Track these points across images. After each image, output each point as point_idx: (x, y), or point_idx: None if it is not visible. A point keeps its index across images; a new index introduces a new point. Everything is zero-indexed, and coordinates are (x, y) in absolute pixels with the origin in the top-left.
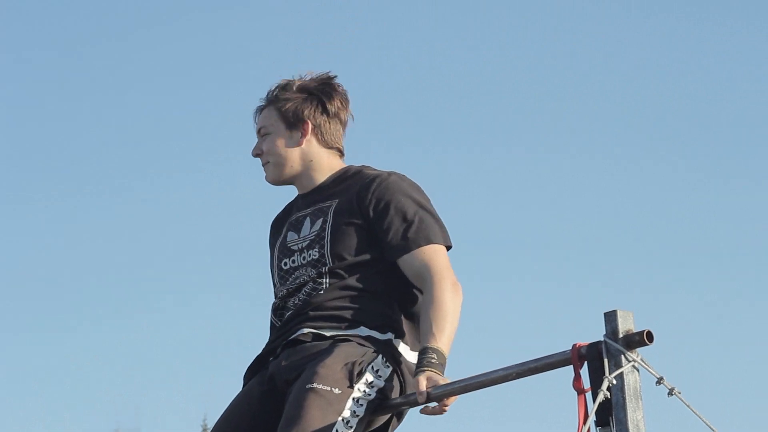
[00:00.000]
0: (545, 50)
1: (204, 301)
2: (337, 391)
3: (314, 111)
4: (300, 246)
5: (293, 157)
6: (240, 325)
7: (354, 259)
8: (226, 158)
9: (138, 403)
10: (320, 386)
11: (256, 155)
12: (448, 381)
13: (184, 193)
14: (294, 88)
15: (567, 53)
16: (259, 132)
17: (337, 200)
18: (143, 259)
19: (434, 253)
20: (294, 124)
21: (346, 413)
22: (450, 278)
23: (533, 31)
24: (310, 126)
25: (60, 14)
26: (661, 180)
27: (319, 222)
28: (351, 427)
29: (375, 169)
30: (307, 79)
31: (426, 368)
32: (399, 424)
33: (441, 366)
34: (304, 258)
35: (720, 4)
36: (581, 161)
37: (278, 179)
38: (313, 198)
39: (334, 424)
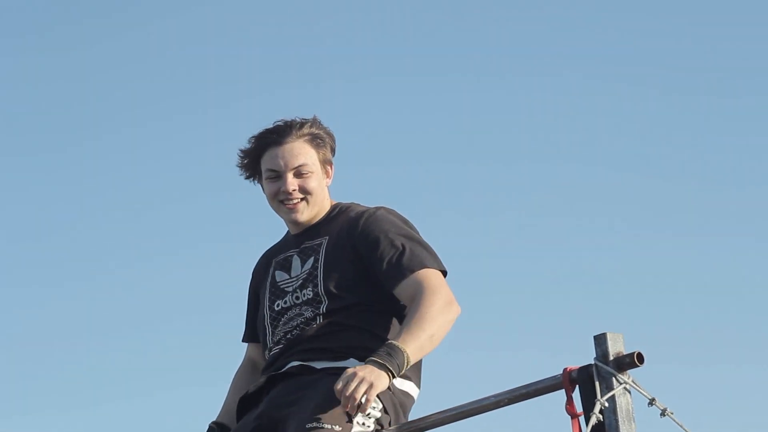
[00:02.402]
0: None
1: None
2: (337, 428)
3: (330, 153)
4: (293, 286)
5: (323, 199)
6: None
7: (348, 297)
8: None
9: None
10: (319, 426)
11: (291, 191)
12: (371, 384)
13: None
14: (320, 129)
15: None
16: (299, 168)
17: (327, 238)
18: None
19: (429, 275)
20: (324, 165)
21: None
22: (444, 295)
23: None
24: (333, 170)
25: None
26: (649, 198)
27: (311, 261)
28: None
29: (362, 206)
30: (312, 120)
31: (369, 361)
32: None
33: (396, 366)
34: (297, 297)
35: None
36: (572, 178)
37: (310, 220)
38: (303, 237)
39: None
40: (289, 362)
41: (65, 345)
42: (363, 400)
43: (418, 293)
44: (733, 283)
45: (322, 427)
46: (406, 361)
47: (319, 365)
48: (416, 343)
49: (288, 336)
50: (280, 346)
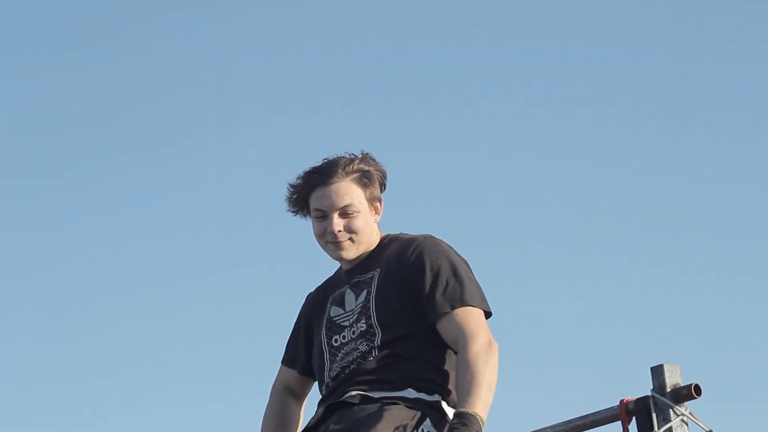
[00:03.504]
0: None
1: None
2: None
3: (378, 189)
4: (350, 321)
5: (371, 235)
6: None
7: (400, 327)
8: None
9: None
10: None
11: (337, 232)
12: None
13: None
14: (369, 165)
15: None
16: (344, 208)
17: (378, 270)
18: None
19: (469, 315)
20: (372, 203)
21: None
22: (484, 337)
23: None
24: (382, 206)
25: None
26: (705, 227)
27: (363, 294)
28: None
29: (410, 234)
30: (361, 156)
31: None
32: None
33: (467, 429)
34: (353, 332)
35: None
36: (625, 209)
37: (356, 257)
38: (355, 272)
39: None
40: (348, 392)
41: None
42: None
43: (461, 337)
44: None
45: None
46: (481, 423)
47: (377, 395)
48: (481, 401)
49: (347, 370)
50: (339, 378)
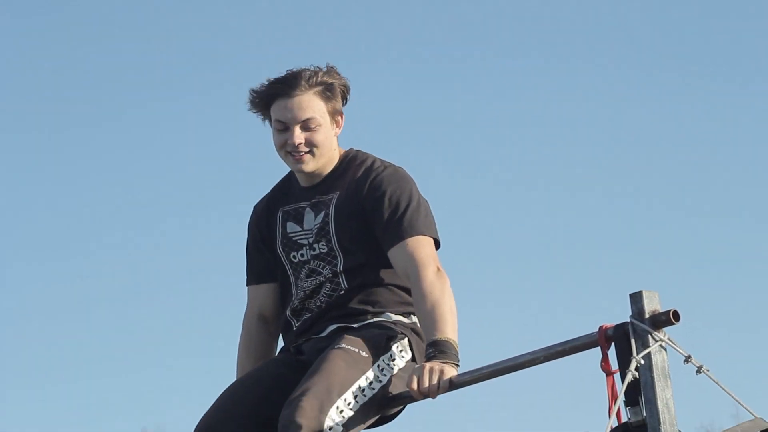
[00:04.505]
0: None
1: (228, 300)
2: (364, 354)
3: (341, 103)
4: (308, 240)
5: (331, 149)
6: None
7: (360, 253)
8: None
9: (164, 402)
10: (348, 347)
11: (298, 144)
12: (455, 374)
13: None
14: (333, 78)
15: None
16: (306, 121)
17: (337, 193)
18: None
19: (419, 244)
20: (333, 116)
21: (370, 374)
22: (434, 266)
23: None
24: (343, 119)
25: None
26: (682, 158)
27: (321, 215)
28: (373, 389)
29: (368, 155)
30: (326, 69)
31: (431, 361)
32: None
33: (454, 356)
34: (313, 249)
35: None
36: (606, 142)
37: (315, 170)
38: (315, 191)
39: (357, 379)
40: (327, 327)
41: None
42: (438, 385)
43: (411, 267)
44: None
45: (351, 348)
46: (456, 346)
47: (357, 324)
48: (449, 326)
49: (318, 301)
50: (311, 311)
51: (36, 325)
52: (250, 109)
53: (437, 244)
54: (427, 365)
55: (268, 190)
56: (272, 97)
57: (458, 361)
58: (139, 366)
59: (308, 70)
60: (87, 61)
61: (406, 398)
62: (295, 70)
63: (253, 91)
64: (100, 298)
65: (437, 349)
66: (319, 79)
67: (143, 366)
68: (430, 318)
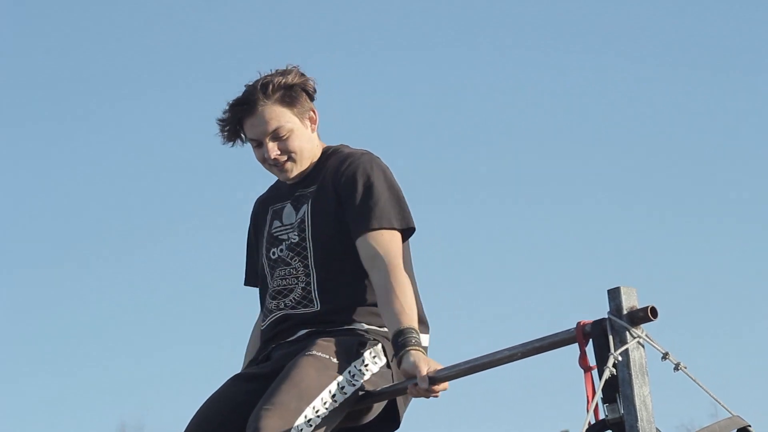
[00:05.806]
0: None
1: (214, 297)
2: (334, 360)
3: (308, 100)
4: (287, 234)
5: (312, 149)
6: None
7: (333, 244)
8: None
9: (143, 399)
10: (318, 353)
11: (274, 157)
12: (441, 366)
13: None
14: (289, 81)
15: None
16: (274, 132)
17: (316, 186)
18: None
19: (380, 236)
20: (303, 117)
21: (341, 379)
22: (394, 260)
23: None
24: (317, 115)
25: None
26: (662, 157)
27: (302, 209)
28: (345, 393)
29: (349, 148)
30: (282, 72)
31: (413, 347)
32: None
33: (422, 347)
34: (287, 245)
35: None
36: (586, 140)
37: (299, 175)
38: (297, 186)
39: (327, 384)
40: (298, 332)
41: None
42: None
43: (369, 258)
44: (748, 238)
45: (321, 355)
46: (418, 334)
47: (329, 329)
48: (407, 317)
49: (290, 300)
50: (282, 311)
51: (6, 318)
52: (224, 143)
53: (411, 232)
54: (411, 360)
55: (269, 187)
56: (238, 121)
57: (422, 347)
58: (118, 361)
59: (264, 79)
60: (87, 61)
61: (380, 397)
62: (251, 83)
63: (219, 121)
64: (81, 292)
65: (403, 339)
66: (276, 85)
67: (122, 361)
68: (391, 310)
